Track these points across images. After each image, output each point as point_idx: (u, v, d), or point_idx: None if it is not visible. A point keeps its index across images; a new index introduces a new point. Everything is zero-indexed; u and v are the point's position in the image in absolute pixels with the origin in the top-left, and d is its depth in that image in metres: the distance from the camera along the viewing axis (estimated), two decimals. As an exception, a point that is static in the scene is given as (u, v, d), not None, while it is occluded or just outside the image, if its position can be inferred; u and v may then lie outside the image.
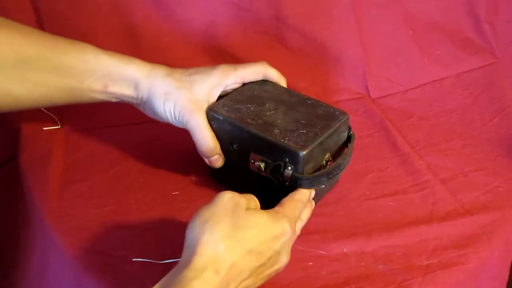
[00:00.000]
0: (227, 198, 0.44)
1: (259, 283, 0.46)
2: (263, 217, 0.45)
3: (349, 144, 0.56)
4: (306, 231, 0.55)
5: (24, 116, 0.68)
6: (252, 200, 0.47)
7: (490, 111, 0.73)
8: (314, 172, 0.52)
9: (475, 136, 0.70)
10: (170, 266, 0.50)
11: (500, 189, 0.61)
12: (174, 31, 0.71)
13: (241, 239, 0.43)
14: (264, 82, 0.59)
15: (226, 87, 0.57)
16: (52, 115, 0.68)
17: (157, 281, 0.48)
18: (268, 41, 0.74)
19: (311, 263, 0.52)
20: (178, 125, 0.55)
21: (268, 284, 0.48)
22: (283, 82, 0.59)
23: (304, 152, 0.50)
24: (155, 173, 0.62)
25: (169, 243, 0.53)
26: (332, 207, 0.58)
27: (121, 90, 0.54)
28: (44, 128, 0.67)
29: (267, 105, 0.56)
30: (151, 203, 0.58)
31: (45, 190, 0.58)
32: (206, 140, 0.54)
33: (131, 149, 0.66)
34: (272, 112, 0.55)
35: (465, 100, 0.76)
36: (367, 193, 0.60)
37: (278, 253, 0.46)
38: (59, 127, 0.68)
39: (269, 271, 0.46)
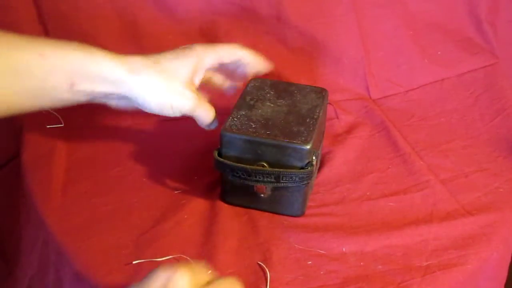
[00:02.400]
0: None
1: None
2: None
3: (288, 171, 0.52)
4: (305, 230, 0.55)
5: (27, 114, 0.68)
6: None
7: (491, 112, 0.73)
8: None
9: (475, 136, 0.70)
10: (171, 263, 0.51)
11: (500, 190, 0.61)
12: (175, 31, 0.71)
13: None
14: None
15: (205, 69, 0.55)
16: (55, 114, 0.69)
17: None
18: (269, 41, 0.74)
19: (310, 262, 0.52)
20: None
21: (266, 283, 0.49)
22: (260, 64, 0.57)
23: (224, 133, 0.53)
24: (158, 172, 0.62)
25: (170, 241, 0.54)
26: (332, 207, 0.58)
27: (92, 87, 0.48)
28: (48, 126, 0.67)
29: (281, 100, 0.57)
30: (153, 202, 0.58)
31: (48, 188, 0.59)
32: (206, 118, 0.55)
33: (133, 148, 0.66)
34: (270, 103, 0.57)
35: (466, 100, 0.75)
36: (368, 193, 0.60)
37: None
38: (62, 125, 0.68)
39: None
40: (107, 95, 0.50)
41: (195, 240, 0.54)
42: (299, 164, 0.52)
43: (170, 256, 0.51)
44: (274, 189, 0.55)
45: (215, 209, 0.58)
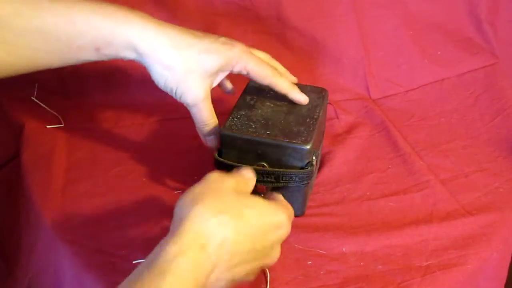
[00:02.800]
0: (213, 177, 0.43)
1: (245, 277, 0.43)
2: (261, 201, 0.43)
3: (292, 171, 0.52)
4: (305, 230, 0.55)
5: (27, 114, 0.68)
6: (242, 183, 0.45)
7: (491, 112, 0.73)
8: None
9: (475, 136, 0.70)
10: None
11: (500, 190, 0.61)
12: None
13: (236, 216, 0.40)
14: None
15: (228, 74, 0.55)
16: (55, 113, 0.69)
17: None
18: (269, 41, 0.74)
19: (310, 262, 0.52)
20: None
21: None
22: (293, 94, 0.56)
23: (223, 133, 0.53)
24: (158, 172, 0.62)
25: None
26: (332, 207, 0.59)
27: (116, 53, 0.49)
28: (47, 127, 0.67)
29: (281, 100, 0.57)
30: (153, 202, 0.58)
31: (48, 189, 0.59)
32: (202, 120, 0.54)
33: (133, 148, 0.66)
34: (270, 103, 0.57)
35: (466, 100, 0.75)
36: (368, 193, 0.60)
37: (271, 246, 0.43)
38: (62, 125, 0.68)
39: (259, 263, 0.43)
40: (130, 60, 0.51)
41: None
42: (299, 164, 0.52)
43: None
44: (274, 189, 0.55)
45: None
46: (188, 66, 0.50)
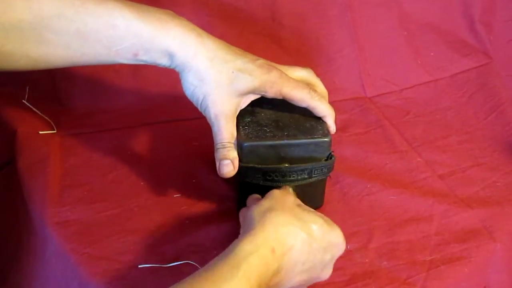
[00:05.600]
0: (277, 193, 0.48)
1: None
2: (322, 219, 0.46)
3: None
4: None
5: (20, 120, 0.66)
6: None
7: (484, 110, 0.74)
8: None
9: (471, 132, 0.71)
10: (176, 269, 0.50)
11: (498, 184, 0.62)
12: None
13: (304, 229, 0.44)
14: None
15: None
16: (47, 119, 0.67)
17: (164, 285, 0.48)
18: (263, 42, 0.74)
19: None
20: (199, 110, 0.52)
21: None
22: (329, 119, 0.54)
23: (245, 144, 0.51)
24: (155, 176, 0.61)
25: (174, 246, 0.53)
26: (334, 203, 0.59)
27: (153, 59, 0.49)
28: (40, 132, 0.66)
29: (274, 100, 0.55)
30: (153, 206, 0.57)
31: (45, 196, 0.57)
32: (219, 137, 0.51)
33: (129, 152, 0.65)
34: (266, 104, 0.56)
35: (460, 99, 0.76)
36: (368, 190, 0.61)
37: (328, 261, 0.46)
38: (54, 131, 0.67)
39: (315, 276, 0.46)
40: (165, 66, 0.50)
41: (199, 244, 0.53)
42: (322, 157, 0.53)
43: (178, 263, 0.51)
44: (297, 187, 0.54)
45: (217, 212, 0.57)
46: (219, 80, 0.49)
